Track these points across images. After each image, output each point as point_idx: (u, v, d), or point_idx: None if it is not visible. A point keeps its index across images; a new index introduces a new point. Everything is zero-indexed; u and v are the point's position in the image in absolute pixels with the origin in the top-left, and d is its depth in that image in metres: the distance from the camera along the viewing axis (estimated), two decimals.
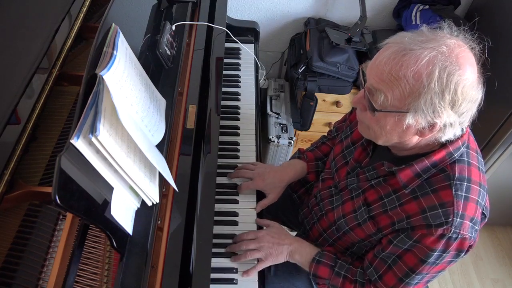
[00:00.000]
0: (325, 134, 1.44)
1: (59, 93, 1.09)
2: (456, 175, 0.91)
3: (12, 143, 0.87)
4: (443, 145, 0.92)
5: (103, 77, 0.82)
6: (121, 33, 0.93)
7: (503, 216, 2.24)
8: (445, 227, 0.89)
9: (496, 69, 1.72)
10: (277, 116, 2.16)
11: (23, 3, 1.15)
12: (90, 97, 0.80)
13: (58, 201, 0.70)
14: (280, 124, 2.14)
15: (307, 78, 1.95)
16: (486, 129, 1.76)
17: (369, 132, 0.96)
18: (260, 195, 1.30)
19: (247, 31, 1.73)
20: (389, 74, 0.83)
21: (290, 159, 1.43)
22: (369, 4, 2.01)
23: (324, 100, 2.04)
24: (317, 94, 2.00)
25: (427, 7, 1.98)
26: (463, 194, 0.90)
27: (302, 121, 2.12)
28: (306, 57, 1.97)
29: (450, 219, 0.89)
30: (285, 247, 1.14)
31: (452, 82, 0.80)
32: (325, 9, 2.14)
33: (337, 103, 2.04)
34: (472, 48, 0.85)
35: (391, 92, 0.84)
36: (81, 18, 1.16)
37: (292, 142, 2.09)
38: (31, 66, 0.98)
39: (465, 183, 0.91)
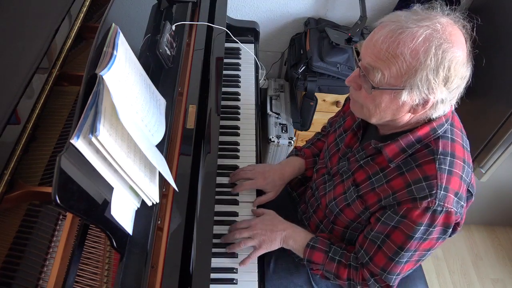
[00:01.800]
0: (319, 131, 1.46)
1: (59, 93, 1.09)
2: (440, 150, 0.93)
3: (12, 143, 0.87)
4: (427, 121, 0.95)
5: (103, 77, 0.82)
6: (121, 33, 0.93)
7: (503, 216, 2.24)
8: (429, 199, 0.91)
9: (496, 69, 1.73)
10: (277, 116, 2.16)
11: (23, 3, 1.15)
12: (90, 97, 0.80)
13: (58, 201, 0.70)
14: (280, 124, 2.14)
15: (307, 78, 1.95)
16: (486, 129, 1.76)
17: (363, 111, 0.98)
18: (260, 194, 1.30)
19: (247, 31, 1.74)
20: (387, 52, 0.85)
21: (287, 156, 1.43)
22: (369, 4, 2.01)
23: (324, 100, 2.04)
24: (317, 94, 2.00)
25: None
26: (447, 168, 0.92)
27: (302, 121, 2.12)
28: (306, 57, 1.97)
29: (434, 192, 0.90)
30: (278, 233, 1.15)
31: (446, 59, 0.83)
32: (325, 9, 2.14)
33: (337, 103, 2.04)
34: (463, 26, 0.89)
35: (388, 70, 0.86)
36: (81, 18, 1.16)
37: (292, 142, 2.09)
38: (31, 66, 0.98)
39: (449, 158, 0.93)
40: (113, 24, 0.94)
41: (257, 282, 1.11)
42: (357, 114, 1.02)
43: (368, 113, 0.96)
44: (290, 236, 1.15)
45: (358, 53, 0.95)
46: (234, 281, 1.10)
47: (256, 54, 1.70)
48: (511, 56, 1.67)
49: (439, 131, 0.95)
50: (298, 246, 1.15)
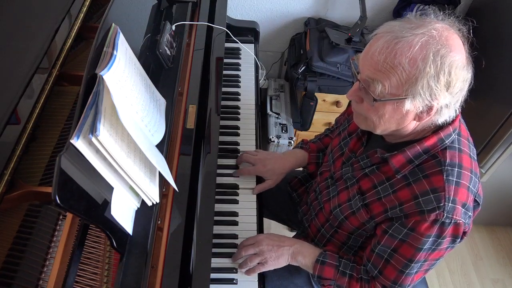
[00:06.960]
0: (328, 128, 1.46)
1: (59, 93, 1.09)
2: (447, 161, 0.93)
3: (12, 143, 0.87)
4: (435, 131, 0.95)
5: (103, 77, 0.82)
6: (121, 33, 0.93)
7: (503, 216, 2.24)
8: (437, 212, 0.90)
9: (496, 69, 1.73)
10: (277, 116, 2.16)
11: (23, 3, 1.15)
12: (90, 97, 0.80)
13: (58, 201, 0.70)
14: (280, 124, 2.14)
15: (307, 78, 1.95)
16: (486, 129, 1.76)
17: (367, 123, 0.97)
18: (260, 182, 1.31)
19: (247, 31, 1.73)
20: (384, 63, 0.85)
21: (293, 148, 1.43)
22: (369, 4, 2.01)
23: (324, 100, 2.04)
24: (317, 94, 2.00)
25: (427, 7, 1.98)
26: (454, 179, 0.91)
27: (302, 121, 2.12)
28: (306, 57, 1.97)
29: (441, 204, 0.90)
30: (285, 249, 1.13)
31: (446, 64, 0.83)
32: (325, 9, 2.14)
33: (337, 103, 2.04)
34: (459, 29, 0.88)
35: (388, 81, 0.86)
36: (81, 18, 1.16)
37: (292, 142, 2.09)
38: (31, 66, 0.98)
39: (456, 169, 0.92)
40: (113, 24, 0.94)
41: (257, 282, 1.11)
42: (362, 126, 1.01)
43: (372, 125, 0.95)
44: (298, 252, 1.13)
45: (356, 66, 0.94)
46: (234, 281, 1.10)
47: (256, 54, 1.70)
48: (511, 56, 1.67)
49: (446, 142, 0.94)
50: (307, 261, 1.13)
